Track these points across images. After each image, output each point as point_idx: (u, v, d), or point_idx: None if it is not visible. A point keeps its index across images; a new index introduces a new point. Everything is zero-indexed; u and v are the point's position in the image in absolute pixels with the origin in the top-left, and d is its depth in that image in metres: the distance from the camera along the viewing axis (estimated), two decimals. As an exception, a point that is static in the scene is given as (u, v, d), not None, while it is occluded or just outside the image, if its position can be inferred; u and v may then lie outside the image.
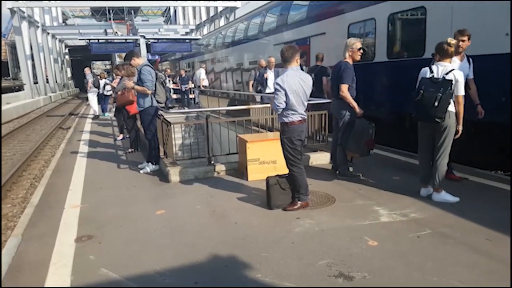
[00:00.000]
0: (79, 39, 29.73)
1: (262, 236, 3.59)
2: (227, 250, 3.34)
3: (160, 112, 6.23)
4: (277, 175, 4.37)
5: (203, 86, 16.45)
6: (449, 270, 2.89)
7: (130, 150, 7.78)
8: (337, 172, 5.41)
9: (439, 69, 4.21)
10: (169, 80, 17.87)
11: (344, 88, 5.07)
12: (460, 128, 4.24)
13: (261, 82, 9.36)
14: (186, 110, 10.03)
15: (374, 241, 3.38)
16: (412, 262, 3.02)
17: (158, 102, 6.14)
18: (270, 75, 9.18)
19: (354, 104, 5.12)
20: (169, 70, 19.79)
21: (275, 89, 4.04)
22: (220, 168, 5.72)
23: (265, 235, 3.62)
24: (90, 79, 14.93)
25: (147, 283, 2.90)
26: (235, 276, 2.94)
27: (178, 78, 17.90)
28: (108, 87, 13.77)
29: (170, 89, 15.36)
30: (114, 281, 2.94)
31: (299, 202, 4.24)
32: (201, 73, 16.69)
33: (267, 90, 9.02)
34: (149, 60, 17.28)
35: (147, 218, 4.19)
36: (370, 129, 5.01)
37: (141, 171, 6.09)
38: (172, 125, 5.66)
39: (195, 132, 8.61)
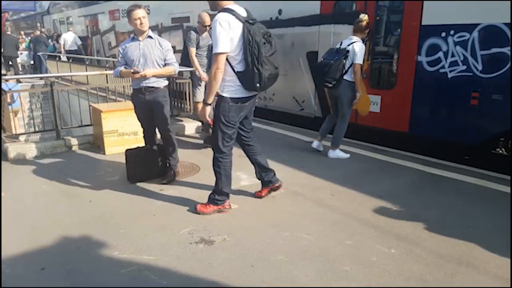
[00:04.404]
0: None
1: (120, 213, 3.39)
2: (80, 230, 3.06)
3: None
4: (138, 147, 4.15)
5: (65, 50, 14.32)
6: (299, 223, 3.18)
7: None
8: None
9: (347, 41, 4.53)
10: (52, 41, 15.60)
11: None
12: (357, 95, 4.56)
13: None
14: (24, 76, 8.54)
15: (235, 204, 3.51)
16: (267, 220, 3.24)
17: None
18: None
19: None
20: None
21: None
22: (72, 142, 5.16)
23: (124, 211, 3.42)
24: None
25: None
26: (88, 257, 2.72)
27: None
28: None
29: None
30: None
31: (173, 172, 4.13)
32: (74, 38, 14.50)
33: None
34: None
35: (-21, 204, 3.56)
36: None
37: (-29, 150, 5.11)
38: (6, 94, 4.83)
39: (44, 103, 7.60)
